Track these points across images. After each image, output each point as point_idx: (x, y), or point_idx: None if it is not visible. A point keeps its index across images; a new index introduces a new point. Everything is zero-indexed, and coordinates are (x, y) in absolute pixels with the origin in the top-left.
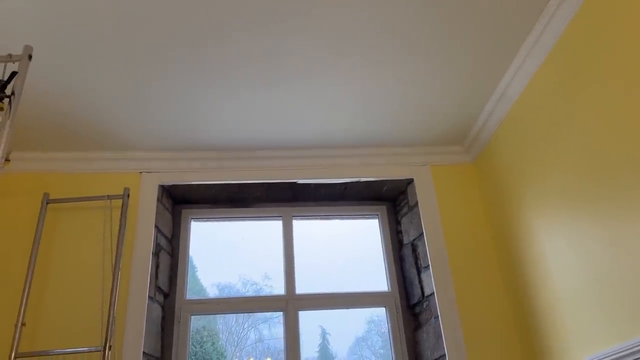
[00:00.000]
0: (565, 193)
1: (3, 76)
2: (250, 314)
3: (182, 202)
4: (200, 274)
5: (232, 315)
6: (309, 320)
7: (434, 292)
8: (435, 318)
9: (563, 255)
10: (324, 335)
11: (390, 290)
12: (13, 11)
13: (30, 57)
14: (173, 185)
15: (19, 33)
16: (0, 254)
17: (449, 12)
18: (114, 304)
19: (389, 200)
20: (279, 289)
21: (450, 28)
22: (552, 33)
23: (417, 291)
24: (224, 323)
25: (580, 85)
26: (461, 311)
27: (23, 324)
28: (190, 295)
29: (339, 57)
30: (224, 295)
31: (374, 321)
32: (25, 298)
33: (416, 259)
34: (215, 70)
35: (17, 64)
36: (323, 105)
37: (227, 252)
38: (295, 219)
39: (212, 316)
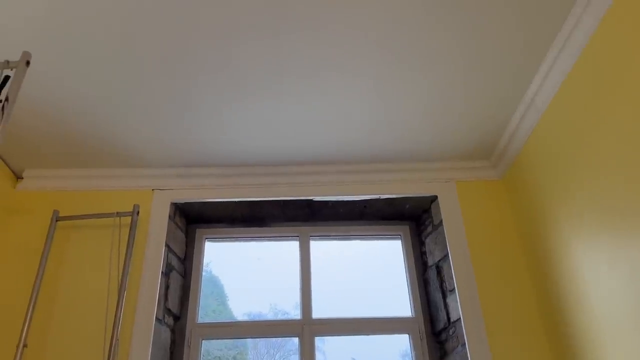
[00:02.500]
0: (605, 208)
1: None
2: (282, 343)
3: (196, 221)
4: (232, 303)
5: (263, 344)
6: (339, 349)
7: (460, 318)
8: (462, 346)
9: (604, 277)
10: None
11: (414, 315)
12: (17, 19)
13: (28, 63)
14: (187, 204)
15: (29, 47)
16: (9, 273)
17: (472, 14)
18: (118, 326)
19: (412, 219)
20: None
21: (474, 32)
22: (583, 32)
23: (443, 317)
24: (255, 353)
25: (618, 87)
26: (490, 338)
27: (25, 346)
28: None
29: (354, 67)
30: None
31: (409, 355)
32: (28, 318)
33: (441, 281)
34: (227, 85)
35: (14, 70)
36: (339, 117)
37: (255, 277)
38: (312, 239)
39: (243, 347)
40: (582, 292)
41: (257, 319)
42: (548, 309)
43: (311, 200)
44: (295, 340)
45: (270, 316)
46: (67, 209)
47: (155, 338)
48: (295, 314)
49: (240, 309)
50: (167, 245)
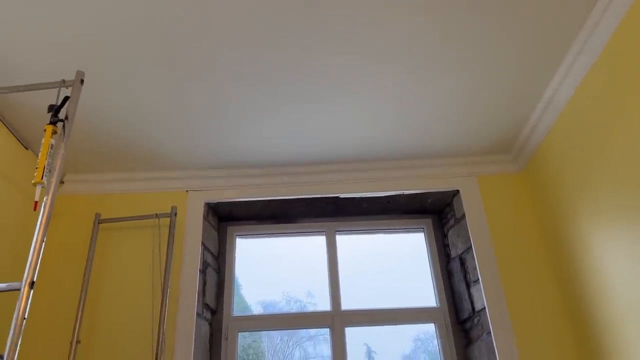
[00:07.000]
0: (625, 201)
1: (57, 100)
2: (294, 332)
3: (227, 219)
4: (245, 292)
5: (277, 333)
6: (354, 338)
7: (485, 307)
8: (487, 334)
9: (626, 268)
10: (369, 353)
11: (439, 305)
12: (64, 34)
13: (82, 81)
14: (218, 203)
15: (69, 55)
16: (56, 273)
17: (493, 16)
18: (164, 321)
19: (435, 212)
20: (322, 306)
21: (495, 33)
22: (603, 32)
23: (467, 306)
24: (269, 341)
25: (638, 84)
26: (515, 326)
27: (78, 342)
28: (235, 312)
29: (378, 68)
30: (268, 312)
31: (421, 339)
32: (79, 316)
33: (465, 273)
34: (259, 92)
35: (69, 88)
36: (364, 117)
37: (271, 270)
38: (338, 233)
39: (257, 335)
40: (604, 283)
41: (273, 310)
42: (570, 297)
43: (337, 197)
44: (311, 330)
45: (296, 308)
46: (108, 211)
47: (196, 332)
48: (312, 302)
49: (263, 302)
50: (202, 244)
